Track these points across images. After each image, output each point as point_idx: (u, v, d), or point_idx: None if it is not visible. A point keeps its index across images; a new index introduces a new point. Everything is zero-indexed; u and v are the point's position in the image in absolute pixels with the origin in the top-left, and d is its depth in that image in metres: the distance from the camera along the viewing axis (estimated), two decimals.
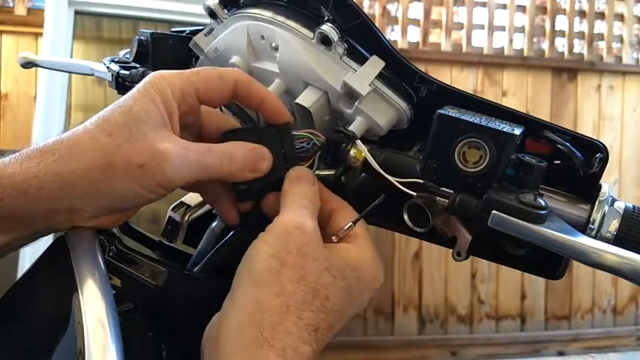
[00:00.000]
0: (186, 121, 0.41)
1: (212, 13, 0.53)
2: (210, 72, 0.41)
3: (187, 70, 0.41)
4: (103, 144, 0.36)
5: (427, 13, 2.59)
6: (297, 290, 0.36)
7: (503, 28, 2.66)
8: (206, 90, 0.41)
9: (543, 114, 2.60)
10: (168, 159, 0.37)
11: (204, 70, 0.42)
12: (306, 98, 0.47)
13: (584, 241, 0.36)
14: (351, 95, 0.46)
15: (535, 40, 2.72)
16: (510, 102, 2.60)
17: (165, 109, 0.39)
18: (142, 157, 0.36)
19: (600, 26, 2.77)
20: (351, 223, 0.41)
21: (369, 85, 0.45)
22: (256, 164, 0.41)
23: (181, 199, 0.57)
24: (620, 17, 2.79)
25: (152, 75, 0.40)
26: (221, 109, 0.46)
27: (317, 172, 0.46)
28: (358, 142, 0.44)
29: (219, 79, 0.41)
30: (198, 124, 0.43)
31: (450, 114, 0.41)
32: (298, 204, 0.39)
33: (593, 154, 0.42)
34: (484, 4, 2.65)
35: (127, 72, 0.62)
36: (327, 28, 0.44)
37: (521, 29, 2.68)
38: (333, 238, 0.40)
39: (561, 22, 2.73)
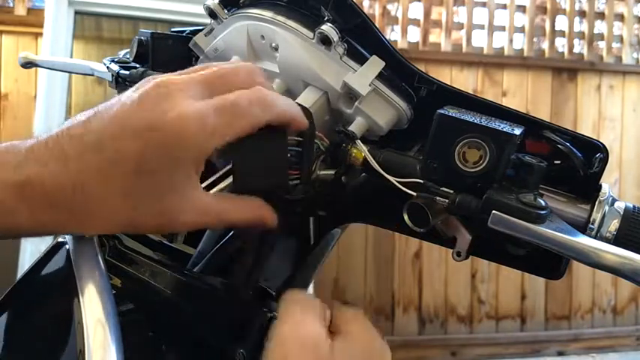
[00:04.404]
0: None
1: (212, 13, 0.53)
2: (245, 128, 0.38)
3: (221, 128, 0.37)
4: (123, 215, 0.36)
5: (427, 13, 2.59)
6: None
7: (503, 28, 2.66)
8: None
9: (543, 114, 2.60)
10: (182, 228, 0.38)
11: (239, 128, 0.38)
12: (306, 98, 0.47)
13: (584, 241, 0.36)
14: (351, 95, 0.46)
15: (535, 40, 2.72)
16: (510, 102, 2.60)
17: (193, 168, 0.37)
18: (158, 226, 0.37)
19: (600, 26, 2.77)
20: None
21: (369, 85, 0.45)
22: (260, 225, 0.41)
23: None
24: (620, 17, 2.79)
25: (176, 132, 0.35)
26: None
27: (317, 172, 0.46)
28: (358, 142, 0.44)
29: (250, 130, 0.39)
30: None
31: (450, 114, 0.41)
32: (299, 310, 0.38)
33: (593, 154, 0.42)
34: (484, 4, 2.65)
35: (127, 72, 0.61)
36: (327, 28, 0.44)
37: (521, 29, 2.68)
38: None
39: (561, 22, 2.73)
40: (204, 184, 0.50)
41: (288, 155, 0.41)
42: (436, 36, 2.62)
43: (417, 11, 2.59)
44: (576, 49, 2.76)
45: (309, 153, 0.42)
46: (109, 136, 0.35)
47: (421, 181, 0.42)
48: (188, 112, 0.35)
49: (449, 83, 0.46)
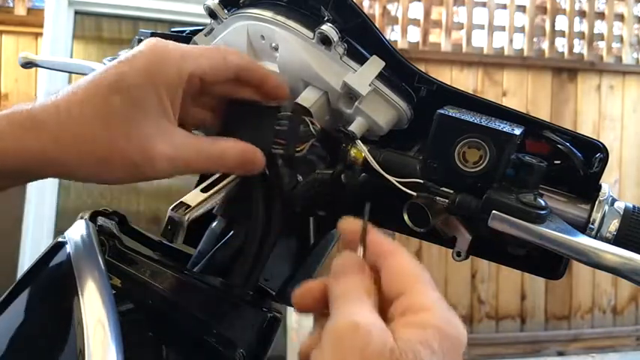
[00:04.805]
0: (187, 93, 0.41)
1: (212, 13, 0.53)
2: (218, 59, 0.42)
3: (196, 52, 0.41)
4: (101, 140, 0.37)
5: (427, 13, 2.59)
6: None
7: (503, 28, 2.66)
8: (211, 74, 0.42)
9: (543, 114, 2.60)
10: (160, 162, 0.39)
11: (212, 55, 0.42)
12: (306, 98, 0.47)
13: (584, 241, 0.36)
14: (351, 95, 0.46)
15: (535, 40, 2.72)
16: (510, 102, 2.60)
17: (167, 95, 0.39)
18: (136, 158, 0.38)
19: (600, 26, 2.77)
20: None
21: (369, 85, 0.45)
22: (247, 167, 0.43)
23: (181, 200, 0.57)
24: (620, 17, 2.79)
25: (156, 53, 0.40)
26: None
27: (317, 171, 0.46)
28: (358, 142, 0.44)
29: (224, 66, 0.42)
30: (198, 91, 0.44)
31: (450, 114, 0.41)
32: (350, 300, 0.31)
33: (593, 154, 0.42)
34: (484, 4, 2.65)
35: None
36: (327, 28, 0.44)
37: (521, 29, 2.68)
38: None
39: (561, 22, 2.74)
40: (202, 185, 0.50)
41: (278, 127, 0.44)
42: (436, 36, 2.62)
43: (417, 11, 2.60)
44: (576, 49, 2.76)
45: (297, 127, 0.44)
46: (102, 69, 0.39)
47: (421, 181, 0.42)
48: (172, 42, 0.41)
49: (449, 83, 0.46)
